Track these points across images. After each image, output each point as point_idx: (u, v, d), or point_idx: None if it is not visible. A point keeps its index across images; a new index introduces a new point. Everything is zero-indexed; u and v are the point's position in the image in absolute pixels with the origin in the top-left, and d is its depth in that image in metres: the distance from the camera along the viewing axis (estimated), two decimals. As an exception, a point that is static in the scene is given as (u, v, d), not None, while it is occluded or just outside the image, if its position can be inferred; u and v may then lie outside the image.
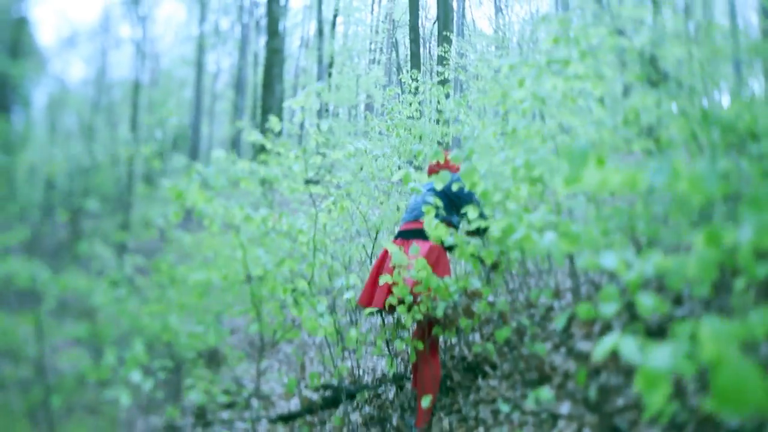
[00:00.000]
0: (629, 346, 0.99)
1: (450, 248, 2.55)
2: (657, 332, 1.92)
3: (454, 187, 2.21)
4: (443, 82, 8.93)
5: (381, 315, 2.93)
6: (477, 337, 3.05)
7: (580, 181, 1.05)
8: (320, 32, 18.69)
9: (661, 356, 0.94)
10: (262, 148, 3.15)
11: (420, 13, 14.44)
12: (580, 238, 1.34)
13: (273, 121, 2.46)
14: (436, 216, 2.56)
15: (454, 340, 2.89)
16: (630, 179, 0.98)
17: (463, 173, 1.92)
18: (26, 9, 18.60)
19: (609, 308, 1.26)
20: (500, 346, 2.60)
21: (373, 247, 3.54)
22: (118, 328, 2.55)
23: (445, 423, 2.35)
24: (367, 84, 19.26)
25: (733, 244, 0.91)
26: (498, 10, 21.50)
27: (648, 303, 1.17)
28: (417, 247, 2.17)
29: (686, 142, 2.04)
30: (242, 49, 19.72)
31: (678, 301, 1.89)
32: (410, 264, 2.21)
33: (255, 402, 3.33)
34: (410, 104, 4.58)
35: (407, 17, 14.44)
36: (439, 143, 5.33)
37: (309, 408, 3.05)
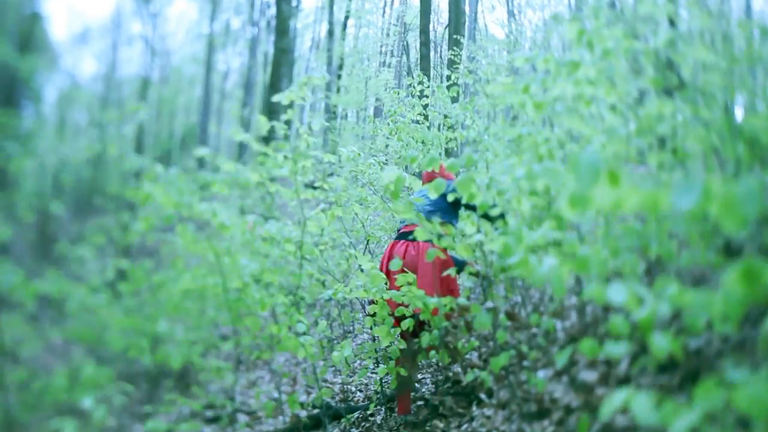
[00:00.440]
0: (643, 406, 0.82)
1: (460, 269, 2.47)
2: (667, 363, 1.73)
3: (450, 198, 2.04)
4: (452, 86, 8.74)
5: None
6: (474, 355, 2.87)
7: (589, 202, 0.87)
8: (331, 34, 18.58)
9: (684, 424, 0.76)
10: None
11: (432, 16, 14.28)
12: (587, 263, 1.16)
13: (261, 121, 2.30)
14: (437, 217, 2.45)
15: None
16: (650, 200, 0.80)
17: (460, 183, 1.75)
18: (39, 4, 18.66)
19: (618, 349, 1.08)
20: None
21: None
22: (91, 335, 2.39)
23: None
24: (376, 87, 19.12)
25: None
26: (511, 14, 21.29)
27: (663, 344, 1.00)
28: (400, 261, 2.02)
29: (705, 155, 1.86)
30: (252, 48, 19.66)
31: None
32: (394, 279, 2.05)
33: (241, 417, 3.17)
34: (413, 107, 4.40)
35: (419, 21, 14.28)
36: (446, 150, 5.15)
37: (295, 426, 2.88)
